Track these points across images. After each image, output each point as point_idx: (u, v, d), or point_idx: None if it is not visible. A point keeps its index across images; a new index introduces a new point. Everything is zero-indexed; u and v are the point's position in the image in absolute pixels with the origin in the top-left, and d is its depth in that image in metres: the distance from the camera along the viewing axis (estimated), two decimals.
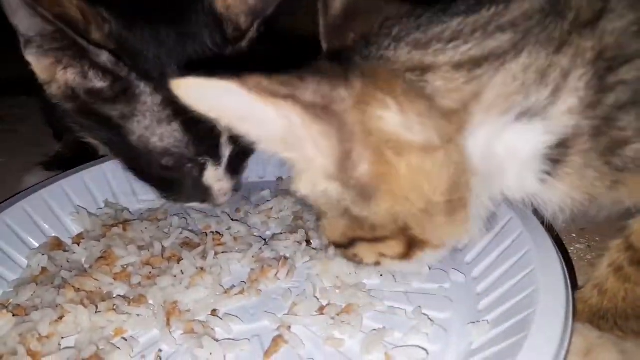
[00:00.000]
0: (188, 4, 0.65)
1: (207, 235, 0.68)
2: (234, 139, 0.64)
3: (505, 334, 0.48)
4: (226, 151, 0.66)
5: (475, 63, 0.37)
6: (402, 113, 0.36)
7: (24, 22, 0.54)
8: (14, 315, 0.55)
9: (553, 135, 0.38)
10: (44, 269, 0.64)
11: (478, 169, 0.39)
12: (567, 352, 0.44)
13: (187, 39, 0.63)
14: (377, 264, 0.46)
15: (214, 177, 0.67)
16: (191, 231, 0.69)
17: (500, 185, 0.42)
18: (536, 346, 0.43)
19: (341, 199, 0.40)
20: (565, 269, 0.51)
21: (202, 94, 0.33)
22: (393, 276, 0.58)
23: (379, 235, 0.41)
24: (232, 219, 0.72)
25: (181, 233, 0.68)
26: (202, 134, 0.63)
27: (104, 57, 0.58)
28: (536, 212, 0.58)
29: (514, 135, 0.38)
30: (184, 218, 0.73)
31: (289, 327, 0.53)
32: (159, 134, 0.62)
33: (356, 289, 0.56)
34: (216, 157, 0.66)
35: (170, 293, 0.58)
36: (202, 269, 0.61)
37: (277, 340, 0.51)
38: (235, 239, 0.67)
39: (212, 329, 0.54)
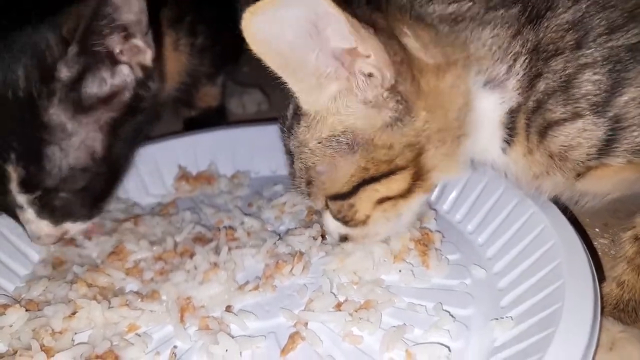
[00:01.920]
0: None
1: (220, 230, 0.67)
2: (30, 187, 0.58)
3: (530, 331, 0.46)
4: (21, 198, 0.60)
5: (453, 20, 0.46)
6: (417, 38, 0.45)
7: None
8: (26, 310, 0.54)
9: (506, 105, 0.46)
10: (55, 265, 0.63)
11: (472, 117, 0.47)
12: (596, 348, 0.43)
13: None
14: (364, 222, 0.51)
15: (23, 218, 0.61)
16: (204, 226, 0.68)
17: (478, 142, 0.49)
18: (564, 342, 0.42)
19: (379, 119, 0.46)
20: (592, 262, 0.49)
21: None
22: (412, 272, 0.57)
23: (393, 167, 0.47)
24: (245, 214, 0.71)
25: (194, 228, 0.67)
26: None
27: None
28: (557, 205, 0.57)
29: (484, 100, 0.47)
30: (196, 213, 0.72)
31: (306, 323, 0.52)
32: None
33: (374, 284, 0.55)
34: (13, 204, 0.60)
35: (184, 289, 0.57)
36: (215, 264, 0.60)
37: (294, 337, 0.50)
38: (248, 233, 0.66)
39: (227, 325, 0.53)
